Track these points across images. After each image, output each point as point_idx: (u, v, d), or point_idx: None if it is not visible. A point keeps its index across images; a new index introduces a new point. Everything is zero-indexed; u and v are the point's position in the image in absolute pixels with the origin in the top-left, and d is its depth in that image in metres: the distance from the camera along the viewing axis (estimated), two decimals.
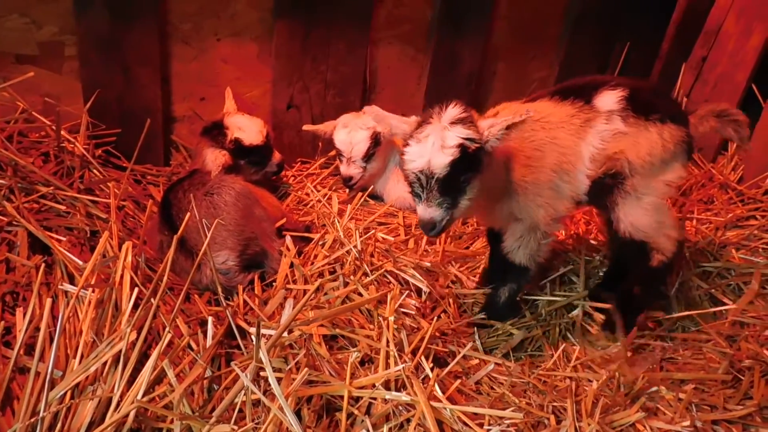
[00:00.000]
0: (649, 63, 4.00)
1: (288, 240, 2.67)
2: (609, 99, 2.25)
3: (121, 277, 2.08)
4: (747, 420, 2.04)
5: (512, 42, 3.87)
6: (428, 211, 2.01)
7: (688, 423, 1.99)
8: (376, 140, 3.13)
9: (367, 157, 3.15)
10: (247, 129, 2.98)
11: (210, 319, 2.04)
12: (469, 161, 1.98)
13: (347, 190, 3.36)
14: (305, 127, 3.33)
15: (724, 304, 2.60)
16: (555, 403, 2.08)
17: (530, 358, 2.36)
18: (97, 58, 2.96)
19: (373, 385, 1.88)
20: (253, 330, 2.06)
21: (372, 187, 3.27)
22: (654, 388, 2.15)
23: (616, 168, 2.24)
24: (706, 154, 3.71)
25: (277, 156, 3.14)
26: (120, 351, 1.80)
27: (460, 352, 2.15)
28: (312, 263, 2.62)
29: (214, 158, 2.89)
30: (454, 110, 2.01)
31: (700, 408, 2.09)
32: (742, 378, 2.17)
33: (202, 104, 3.32)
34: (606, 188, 2.28)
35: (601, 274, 2.79)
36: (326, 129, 3.25)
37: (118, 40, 2.95)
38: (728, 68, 3.57)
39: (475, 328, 2.42)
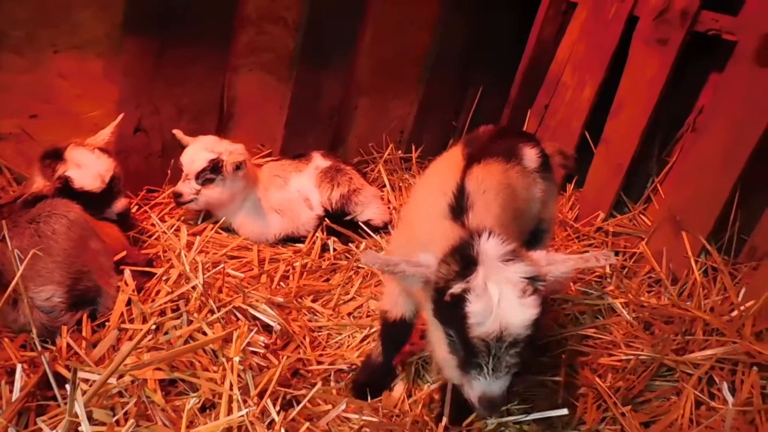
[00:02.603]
0: (499, 108, 4.28)
1: (127, 274, 2.44)
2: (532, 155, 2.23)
3: None
4: None
5: (375, 78, 3.95)
6: (496, 384, 1.54)
7: None
8: (215, 167, 2.96)
9: (203, 180, 2.98)
10: (86, 169, 2.61)
11: (19, 367, 1.77)
12: (543, 308, 1.54)
13: (199, 222, 3.18)
14: (175, 131, 3.13)
15: (564, 331, 2.76)
16: None
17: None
18: None
19: None
20: None
21: (224, 218, 3.11)
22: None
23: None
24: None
25: (120, 204, 2.75)
26: None
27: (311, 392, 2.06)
28: (153, 300, 2.40)
29: (36, 188, 2.52)
30: (494, 243, 1.55)
31: None
32: (577, 404, 2.29)
33: (33, 122, 2.96)
34: None
35: None
36: (188, 142, 3.08)
37: None
38: (566, 116, 3.91)
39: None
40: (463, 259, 1.55)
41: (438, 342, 1.67)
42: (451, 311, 1.52)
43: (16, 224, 2.32)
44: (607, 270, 3.27)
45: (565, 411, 2.02)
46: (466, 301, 1.49)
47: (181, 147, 3.09)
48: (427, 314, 1.72)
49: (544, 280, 1.54)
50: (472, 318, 1.48)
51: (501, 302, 1.47)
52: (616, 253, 3.45)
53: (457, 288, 1.51)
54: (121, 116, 2.89)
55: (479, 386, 1.56)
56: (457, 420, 2.04)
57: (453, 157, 2.10)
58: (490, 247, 1.55)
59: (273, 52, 3.50)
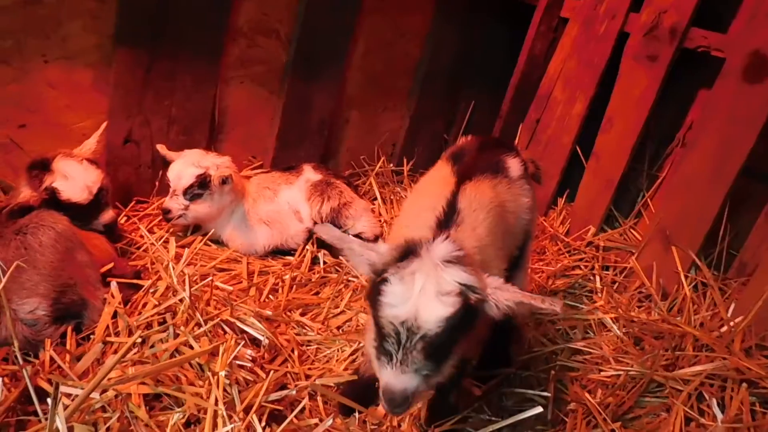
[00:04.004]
0: (490, 122, 4.29)
1: (113, 287, 2.40)
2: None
3: None
4: None
5: (365, 92, 3.96)
6: (400, 378, 1.51)
7: None
8: (203, 182, 2.95)
9: (191, 195, 2.97)
10: (73, 180, 2.58)
11: (0, 381, 1.73)
12: (467, 318, 1.52)
13: (188, 234, 3.16)
14: (158, 146, 3.11)
15: (553, 346, 2.75)
16: None
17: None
18: None
19: None
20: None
21: (213, 230, 3.09)
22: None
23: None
24: (539, 208, 4.02)
25: (107, 215, 2.74)
26: None
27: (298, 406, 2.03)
28: (140, 313, 2.37)
29: (22, 198, 2.48)
30: (445, 246, 1.55)
31: None
32: (566, 420, 2.28)
33: (22, 132, 2.94)
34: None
35: None
36: (173, 158, 3.06)
37: None
38: (557, 131, 3.93)
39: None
40: (407, 250, 1.57)
41: (369, 330, 1.68)
42: (376, 292, 1.54)
43: (2, 235, 2.29)
44: (598, 285, 3.28)
45: (540, 409, 2.01)
46: (387, 283, 1.51)
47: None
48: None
49: (479, 294, 1.53)
50: (388, 298, 1.49)
51: (421, 293, 1.47)
52: (606, 268, 3.46)
53: (388, 272, 1.53)
54: (104, 125, 2.88)
55: (384, 376, 1.54)
56: (430, 421, 2.07)
57: (442, 174, 2.11)
58: (438, 247, 1.55)
59: (264, 65, 3.50)
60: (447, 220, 1.78)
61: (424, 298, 1.46)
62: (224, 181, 2.98)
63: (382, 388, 1.55)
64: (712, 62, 3.24)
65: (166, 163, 3.07)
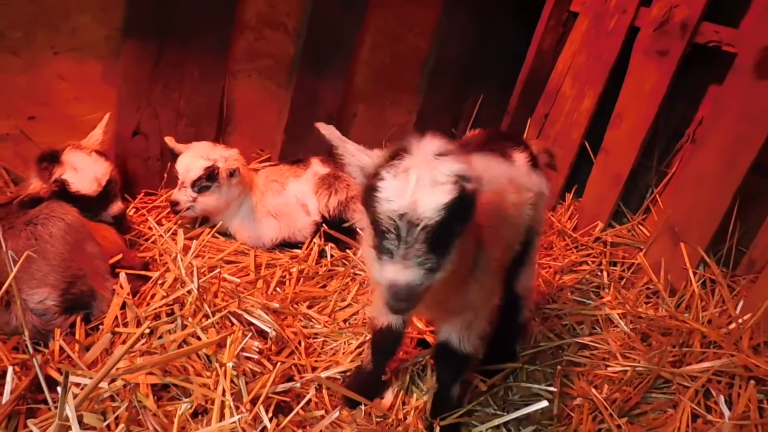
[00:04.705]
0: (498, 117, 4.28)
1: (122, 278, 2.42)
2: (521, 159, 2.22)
3: None
4: None
5: (373, 86, 3.95)
6: (405, 273, 1.47)
7: None
8: (211, 174, 2.96)
9: (199, 187, 2.98)
10: (83, 172, 2.61)
11: (10, 369, 1.75)
12: (465, 207, 1.52)
13: (196, 226, 3.17)
14: (167, 139, 3.12)
15: (560, 341, 2.74)
16: None
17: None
18: None
19: None
20: None
21: (221, 222, 3.10)
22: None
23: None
24: (547, 203, 4.00)
25: (116, 207, 2.76)
26: None
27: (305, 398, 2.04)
28: (148, 304, 2.39)
29: (32, 189, 2.50)
30: (435, 141, 1.55)
31: None
32: (573, 415, 2.28)
33: (31, 123, 2.96)
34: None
35: None
36: (181, 150, 3.07)
37: None
38: (565, 126, 3.91)
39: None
40: (398, 150, 1.56)
41: (365, 237, 1.64)
42: (371, 194, 1.52)
43: (12, 226, 2.30)
44: (605, 280, 3.27)
45: (545, 403, 2.01)
46: (383, 180, 1.50)
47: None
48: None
49: (473, 182, 1.52)
50: (384, 193, 1.48)
51: (417, 185, 1.46)
52: (614, 264, 3.45)
53: (381, 170, 1.53)
54: (107, 115, 2.88)
55: (387, 272, 1.50)
56: (434, 414, 2.07)
57: None
58: (427, 144, 1.55)
59: (272, 58, 3.50)
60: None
61: (420, 189, 1.46)
62: (232, 174, 2.98)
63: (385, 286, 1.52)
64: (723, 57, 3.21)
65: (174, 156, 3.08)
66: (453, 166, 1.50)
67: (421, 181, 1.46)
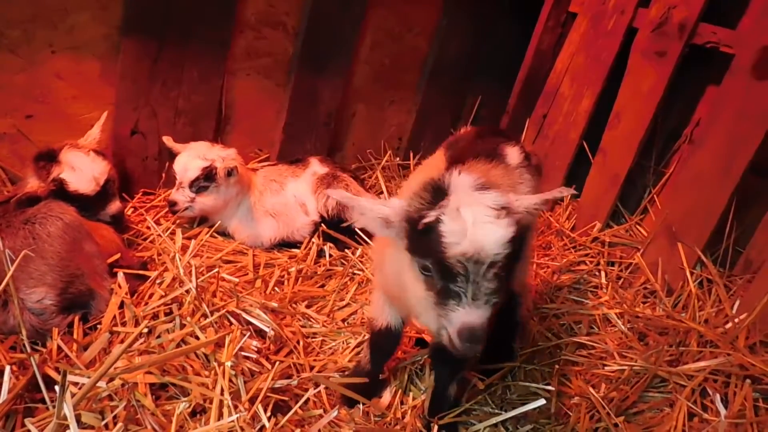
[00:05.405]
0: (497, 117, 4.29)
1: (120, 277, 2.42)
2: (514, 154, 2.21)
3: None
4: None
5: (372, 86, 3.95)
6: (477, 313, 1.46)
7: None
8: (208, 175, 2.96)
9: (197, 188, 2.98)
10: (81, 171, 2.61)
11: (8, 369, 1.75)
12: (518, 236, 1.51)
13: (194, 225, 3.17)
14: (164, 138, 3.11)
15: (558, 341, 2.75)
16: None
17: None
18: None
19: None
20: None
21: (219, 222, 3.10)
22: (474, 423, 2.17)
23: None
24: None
25: (114, 206, 2.77)
26: None
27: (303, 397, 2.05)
28: (146, 303, 2.39)
29: (30, 188, 2.50)
30: (464, 177, 1.54)
31: None
32: (570, 414, 2.28)
33: (29, 122, 2.96)
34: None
35: None
36: (179, 150, 3.07)
37: None
38: (564, 127, 3.92)
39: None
40: (434, 190, 1.55)
41: (414, 284, 1.61)
42: (426, 239, 1.49)
43: (10, 225, 2.30)
44: (603, 280, 3.28)
45: (543, 401, 2.01)
46: (441, 224, 1.47)
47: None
48: (402, 272, 1.66)
49: (516, 211, 1.53)
50: (448, 238, 1.45)
51: (475, 223, 1.44)
52: (611, 264, 3.45)
53: (431, 215, 1.49)
54: (104, 114, 2.88)
55: (458, 317, 1.47)
56: (432, 412, 2.08)
57: (436, 161, 2.10)
58: (461, 180, 1.55)
59: (271, 57, 3.50)
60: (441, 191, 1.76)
61: (481, 227, 1.44)
62: (230, 174, 2.99)
63: (457, 331, 1.48)
64: (720, 58, 3.22)
65: (172, 155, 3.08)
66: (497, 198, 1.50)
67: (479, 219, 1.45)
